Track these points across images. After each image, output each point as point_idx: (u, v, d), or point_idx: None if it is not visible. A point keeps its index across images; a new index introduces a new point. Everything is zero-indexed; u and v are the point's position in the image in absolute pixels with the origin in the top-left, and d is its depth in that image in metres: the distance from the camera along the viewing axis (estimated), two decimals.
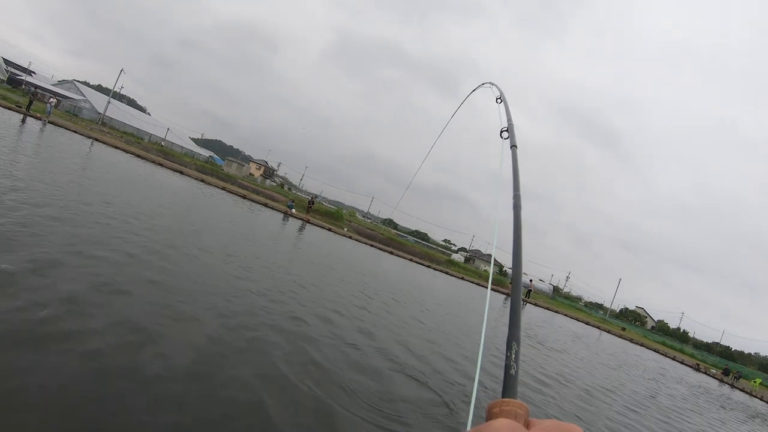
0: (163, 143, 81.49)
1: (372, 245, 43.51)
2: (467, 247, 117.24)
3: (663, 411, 13.83)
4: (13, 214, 8.72)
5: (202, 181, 40.85)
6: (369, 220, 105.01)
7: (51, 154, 21.04)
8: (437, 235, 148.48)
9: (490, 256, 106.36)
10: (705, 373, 48.60)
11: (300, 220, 39.91)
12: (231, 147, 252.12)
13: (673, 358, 51.68)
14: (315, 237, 30.63)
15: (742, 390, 41.84)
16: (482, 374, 9.67)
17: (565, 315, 52.45)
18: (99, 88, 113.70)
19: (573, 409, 9.75)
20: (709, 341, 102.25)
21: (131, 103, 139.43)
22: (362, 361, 7.75)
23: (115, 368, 4.70)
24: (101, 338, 5.20)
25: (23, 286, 5.78)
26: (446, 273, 45.88)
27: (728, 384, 44.00)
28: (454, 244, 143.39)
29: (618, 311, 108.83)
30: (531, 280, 58.78)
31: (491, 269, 2.49)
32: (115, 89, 72.30)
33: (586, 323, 53.12)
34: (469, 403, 1.52)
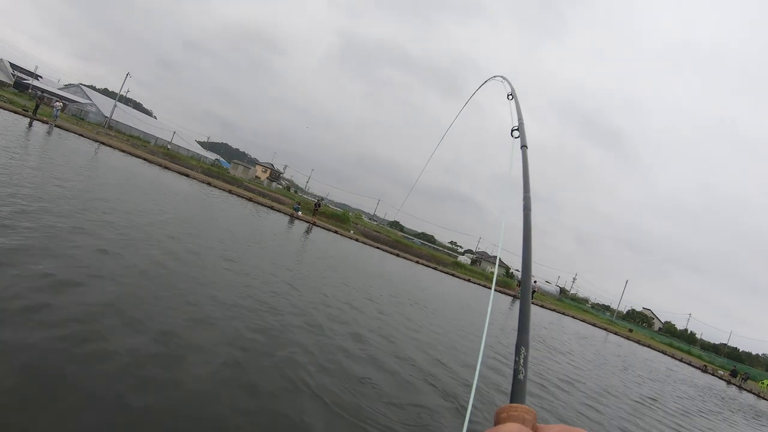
0: (169, 146, 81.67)
1: (378, 247, 43.48)
2: (474, 249, 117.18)
3: (671, 414, 13.77)
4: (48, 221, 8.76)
5: (209, 184, 40.89)
6: (375, 222, 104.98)
7: (66, 160, 21.08)
8: (443, 237, 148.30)
9: (496, 257, 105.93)
10: (713, 374, 48.35)
11: (306, 223, 39.90)
12: (237, 150, 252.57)
13: (681, 360, 51.45)
14: (322, 240, 30.61)
15: (750, 391, 41.61)
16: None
17: (573, 317, 52.29)
18: (105, 92, 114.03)
19: (581, 412, 9.71)
20: (717, 342, 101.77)
21: (137, 106, 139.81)
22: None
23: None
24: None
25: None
26: (452, 275, 45.80)
27: (736, 385, 43.75)
28: (461, 246, 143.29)
29: (625, 313, 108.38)
30: (536, 281, 58.58)
31: (495, 271, 2.45)
32: (121, 92, 72.41)
33: (593, 325, 52.94)
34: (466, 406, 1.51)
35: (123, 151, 40.90)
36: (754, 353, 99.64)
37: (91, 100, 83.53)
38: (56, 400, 3.92)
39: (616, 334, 53.88)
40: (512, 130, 2.54)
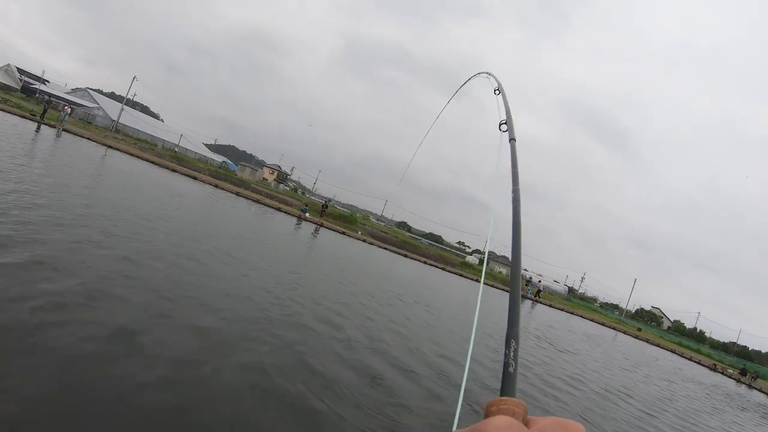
0: (176, 149, 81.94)
1: (386, 248, 43.50)
2: (481, 249, 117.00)
3: (680, 412, 13.72)
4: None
5: (216, 186, 41.01)
6: (383, 223, 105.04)
7: (82, 166, 21.19)
8: (451, 237, 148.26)
9: (505, 257, 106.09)
10: (722, 373, 48.12)
11: (314, 224, 39.96)
12: (244, 152, 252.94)
13: (690, 359, 51.20)
14: (330, 242, 30.65)
15: (760, 390, 41.41)
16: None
17: (581, 316, 52.12)
18: (112, 96, 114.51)
19: (587, 412, 9.69)
20: (726, 341, 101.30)
21: (144, 109, 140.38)
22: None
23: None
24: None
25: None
26: (460, 275, 45.78)
27: (746, 384, 43.54)
28: (468, 246, 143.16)
29: (634, 312, 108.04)
30: (540, 281, 58.34)
31: (484, 265, 2.49)
32: (128, 96, 72.79)
33: (601, 324, 52.76)
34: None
35: (131, 155, 41.06)
36: (764, 351, 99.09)
37: (98, 103, 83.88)
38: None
39: (624, 333, 53.68)
40: (500, 124, 2.56)
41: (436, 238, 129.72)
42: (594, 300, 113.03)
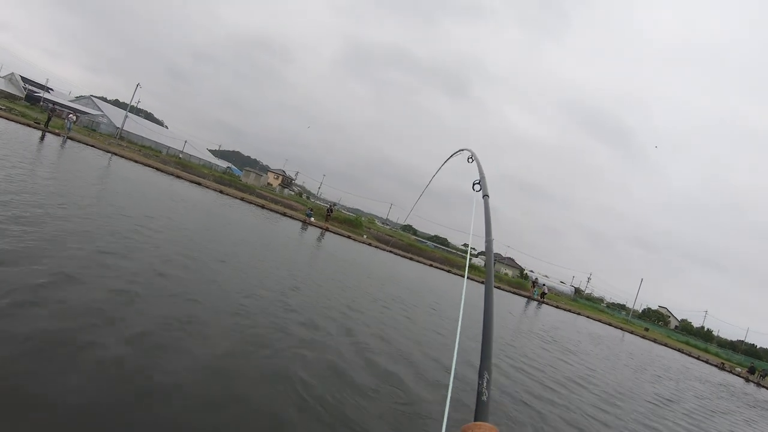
0: (180, 155, 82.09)
1: (391, 251, 43.52)
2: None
3: (688, 413, 13.67)
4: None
5: (221, 192, 41.10)
6: (388, 227, 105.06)
7: (92, 174, 21.25)
8: (456, 240, 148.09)
9: (510, 259, 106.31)
10: (730, 372, 47.99)
11: (319, 229, 40.01)
12: (248, 157, 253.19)
13: (698, 358, 51.04)
14: (336, 246, 30.68)
15: None
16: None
17: (588, 317, 52.04)
18: (116, 103, 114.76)
19: (592, 413, 9.66)
20: (734, 339, 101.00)
21: (149, 116, 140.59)
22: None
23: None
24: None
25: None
26: (468, 278, 45.59)
27: (754, 383, 43.40)
28: (474, 248, 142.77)
29: (641, 311, 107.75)
30: (544, 284, 58.26)
31: (467, 261, 2.71)
32: (132, 103, 72.91)
33: (608, 324, 52.66)
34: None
35: (135, 161, 41.17)
36: None
37: (102, 111, 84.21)
38: None
39: (632, 333, 53.56)
40: (474, 184, 2.85)
41: (442, 241, 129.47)
42: (601, 300, 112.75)
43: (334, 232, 41.02)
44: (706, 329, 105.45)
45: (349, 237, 41.65)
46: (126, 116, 71.00)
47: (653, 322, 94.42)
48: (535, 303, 45.93)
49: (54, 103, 74.82)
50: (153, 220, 14.16)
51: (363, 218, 73.79)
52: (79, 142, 41.83)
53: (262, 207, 40.71)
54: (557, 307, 50.63)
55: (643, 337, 54.21)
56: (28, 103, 74.29)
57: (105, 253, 8.72)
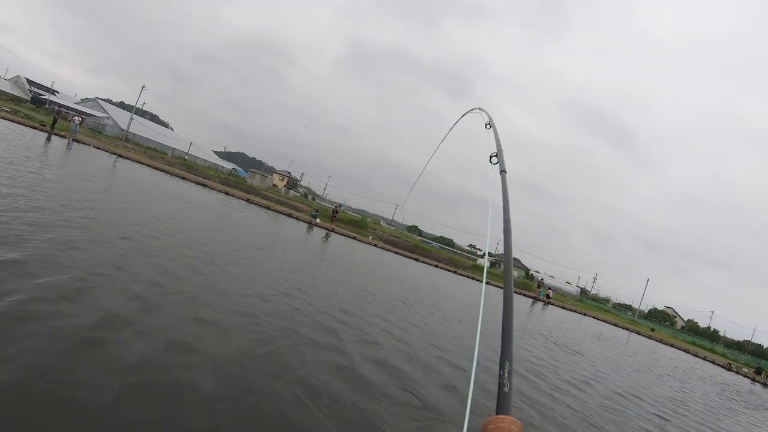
0: (186, 157, 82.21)
1: (397, 252, 43.48)
2: (493, 252, 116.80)
3: (696, 415, 13.61)
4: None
5: (226, 193, 41.13)
6: (393, 228, 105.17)
7: (102, 176, 21.29)
8: (462, 240, 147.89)
9: (516, 259, 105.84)
10: (737, 372, 47.78)
11: (325, 230, 40.00)
12: (254, 159, 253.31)
13: (704, 358, 50.82)
14: (342, 247, 30.66)
15: None
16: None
17: (594, 317, 51.89)
18: (122, 105, 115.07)
19: (595, 414, 9.62)
20: (741, 340, 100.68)
21: (154, 118, 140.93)
22: None
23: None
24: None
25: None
26: (472, 278, 45.68)
27: (761, 383, 43.21)
28: (480, 249, 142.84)
29: (647, 312, 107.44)
30: (549, 287, 58.04)
31: (485, 264, 2.54)
32: (137, 105, 73.08)
33: (614, 325, 52.49)
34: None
35: (141, 163, 41.25)
36: None
37: (107, 113, 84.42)
38: None
39: (638, 333, 53.41)
40: (491, 157, 2.67)
41: (447, 242, 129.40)
42: (607, 301, 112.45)
43: (339, 233, 41.00)
44: (712, 329, 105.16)
45: (354, 238, 41.63)
46: (131, 118, 71.17)
47: (659, 323, 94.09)
48: (541, 303, 45.84)
49: (59, 105, 75.01)
50: (161, 222, 14.21)
51: (368, 219, 73.72)
52: (85, 144, 41.97)
53: (268, 208, 40.74)
54: (563, 307, 50.49)
55: (650, 337, 54.02)
56: (33, 106, 74.46)
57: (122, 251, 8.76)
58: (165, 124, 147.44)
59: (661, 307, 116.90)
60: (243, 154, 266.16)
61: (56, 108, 65.22)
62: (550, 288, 56.17)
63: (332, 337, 8.42)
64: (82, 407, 3.93)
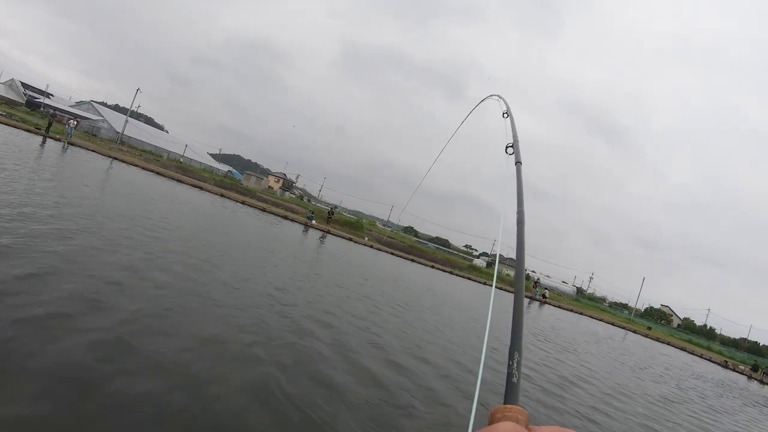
0: (181, 160, 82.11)
1: (393, 253, 43.50)
2: (489, 252, 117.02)
3: (693, 412, 13.66)
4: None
5: (222, 195, 41.09)
6: (389, 229, 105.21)
7: (97, 180, 21.25)
8: (458, 241, 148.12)
9: (512, 259, 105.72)
10: (733, 369, 47.95)
11: (321, 231, 40.01)
12: (249, 161, 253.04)
13: (701, 356, 50.98)
14: (338, 248, 30.68)
15: None
16: None
17: (590, 316, 51.98)
18: (116, 108, 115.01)
19: (593, 413, 9.66)
20: (737, 337, 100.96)
21: (149, 121, 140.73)
22: None
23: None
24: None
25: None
26: (468, 279, 45.74)
27: (757, 380, 43.38)
28: (476, 249, 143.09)
29: (643, 310, 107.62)
30: (546, 288, 58.13)
31: (495, 269, 2.52)
32: (132, 108, 73.05)
33: (611, 324, 52.62)
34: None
35: (136, 166, 41.20)
36: None
37: (102, 116, 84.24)
38: None
39: (634, 332, 53.52)
40: (507, 147, 2.60)
41: (443, 242, 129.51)
42: (603, 300, 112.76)
43: (335, 235, 41.01)
44: (708, 327, 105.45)
45: (350, 239, 41.66)
46: (126, 121, 71.13)
47: (656, 321, 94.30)
48: (537, 303, 45.96)
49: (54, 108, 74.87)
50: (159, 222, 14.20)
51: (364, 220, 73.68)
52: (80, 147, 41.90)
53: (263, 210, 40.73)
54: (559, 306, 50.62)
55: (646, 336, 54.12)
56: (28, 109, 74.35)
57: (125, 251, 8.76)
58: (160, 127, 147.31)
59: (657, 306, 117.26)
60: (238, 156, 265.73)
61: (51, 111, 65.08)
62: (546, 288, 56.24)
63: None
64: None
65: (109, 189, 21.06)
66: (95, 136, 70.31)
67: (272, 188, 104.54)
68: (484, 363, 1.73)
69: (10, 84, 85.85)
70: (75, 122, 46.98)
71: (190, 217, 20.77)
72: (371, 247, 42.52)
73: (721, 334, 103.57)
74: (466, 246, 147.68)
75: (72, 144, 41.47)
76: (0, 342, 4.68)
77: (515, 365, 1.21)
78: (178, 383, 5.00)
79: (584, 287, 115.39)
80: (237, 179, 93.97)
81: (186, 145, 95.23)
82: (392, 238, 62.34)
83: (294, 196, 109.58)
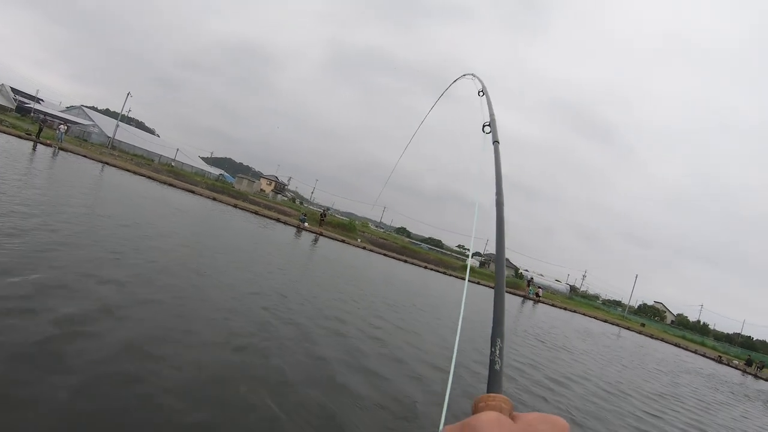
0: (173, 164, 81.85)
1: (386, 255, 43.50)
2: (482, 252, 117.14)
3: (689, 408, 13.70)
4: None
5: (214, 199, 41.00)
6: (382, 230, 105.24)
7: (91, 185, 21.14)
8: (451, 241, 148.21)
9: (506, 259, 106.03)
10: (728, 364, 48.21)
11: (313, 234, 39.96)
12: (241, 164, 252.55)
13: (695, 352, 51.26)
14: (332, 250, 30.64)
15: (767, 380, 41.53)
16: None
17: (583, 314, 52.16)
18: (107, 113, 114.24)
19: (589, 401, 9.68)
20: (730, 332, 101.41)
21: (140, 125, 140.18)
22: None
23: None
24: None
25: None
26: (462, 279, 45.74)
27: (752, 374, 43.62)
28: (468, 249, 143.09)
29: (637, 307, 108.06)
30: (540, 287, 58.25)
31: (468, 261, 2.48)
32: (122, 113, 72.79)
33: (604, 321, 52.83)
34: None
35: (128, 171, 41.05)
36: None
37: (93, 121, 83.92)
38: None
39: (628, 329, 53.73)
40: (483, 126, 2.48)
41: (436, 242, 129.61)
42: (596, 297, 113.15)
43: (328, 237, 40.97)
44: (702, 323, 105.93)
45: (343, 241, 41.63)
46: (117, 125, 70.87)
47: (649, 318, 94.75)
48: (531, 302, 46.06)
49: (45, 113, 74.64)
50: (150, 227, 14.15)
51: (357, 222, 73.65)
52: (71, 152, 41.72)
53: (256, 213, 40.65)
54: (553, 305, 50.76)
55: (640, 332, 54.41)
56: (18, 114, 73.96)
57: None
58: (151, 131, 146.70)
59: (650, 303, 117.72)
60: (230, 159, 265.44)
61: (41, 116, 64.84)
62: (540, 287, 56.36)
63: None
64: None
65: (102, 195, 20.98)
66: (86, 141, 70.03)
67: (264, 191, 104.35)
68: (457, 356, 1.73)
69: (0, 89, 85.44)
70: (65, 127, 46.75)
71: (184, 221, 20.71)
72: (364, 248, 42.51)
73: (714, 330, 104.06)
74: (459, 246, 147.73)
75: (63, 149, 41.28)
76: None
77: (497, 352, 1.17)
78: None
79: (578, 285, 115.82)
80: (229, 182, 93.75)
81: (177, 149, 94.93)
82: (384, 239, 62.39)
83: (286, 198, 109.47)
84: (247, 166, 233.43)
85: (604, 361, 18.98)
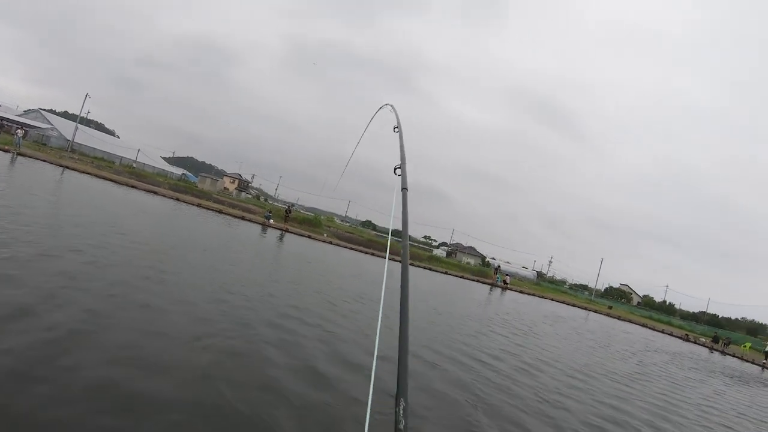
0: (134, 165, 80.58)
1: (353, 248, 43.43)
2: (448, 242, 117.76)
3: (660, 388, 13.91)
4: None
5: (177, 199, 40.39)
6: (348, 224, 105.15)
7: (54, 191, 20.70)
8: (417, 232, 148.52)
9: (471, 248, 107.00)
10: (695, 342, 49.21)
11: (279, 230, 39.71)
12: (203, 163, 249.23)
13: (662, 331, 52.23)
14: (298, 246, 30.54)
15: (734, 356, 42.49)
16: None
17: (551, 299, 52.78)
18: (65, 115, 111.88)
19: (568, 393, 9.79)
20: (696, 311, 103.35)
21: (99, 127, 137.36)
22: None
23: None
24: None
25: None
26: (429, 269, 46.00)
27: (719, 351, 44.59)
28: (435, 240, 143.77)
29: (603, 290, 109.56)
30: (507, 274, 58.88)
31: (389, 239, 2.39)
32: (81, 114, 71.49)
33: (572, 305, 53.50)
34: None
35: (89, 174, 40.30)
36: (733, 318, 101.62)
37: (51, 124, 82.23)
38: None
39: (596, 312, 54.50)
40: (395, 169, 2.43)
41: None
42: (563, 282, 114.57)
43: (294, 233, 40.76)
44: (668, 303, 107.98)
45: (309, 237, 41.45)
46: (76, 128, 69.56)
47: (616, 300, 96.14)
48: (499, 289, 46.47)
49: (1, 118, 72.93)
50: (113, 231, 13.89)
51: (322, 217, 73.45)
52: (30, 157, 40.78)
53: (220, 212, 40.21)
54: (521, 291, 51.32)
55: (608, 315, 55.24)
56: None
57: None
58: (111, 132, 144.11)
59: (616, 285, 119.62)
60: (192, 158, 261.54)
61: None
62: (507, 274, 56.89)
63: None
64: None
65: (63, 200, 20.58)
66: (45, 145, 68.42)
67: (228, 189, 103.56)
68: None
69: None
70: (23, 131, 45.66)
71: (147, 222, 20.40)
72: (330, 243, 42.42)
73: (680, 309, 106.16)
74: (425, 237, 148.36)
75: (21, 154, 40.33)
76: None
77: (401, 412, 1.15)
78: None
79: (544, 271, 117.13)
80: (192, 182, 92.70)
81: (138, 150, 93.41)
82: (350, 233, 62.30)
83: (250, 196, 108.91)
84: (210, 164, 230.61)
85: (575, 344, 19.27)
